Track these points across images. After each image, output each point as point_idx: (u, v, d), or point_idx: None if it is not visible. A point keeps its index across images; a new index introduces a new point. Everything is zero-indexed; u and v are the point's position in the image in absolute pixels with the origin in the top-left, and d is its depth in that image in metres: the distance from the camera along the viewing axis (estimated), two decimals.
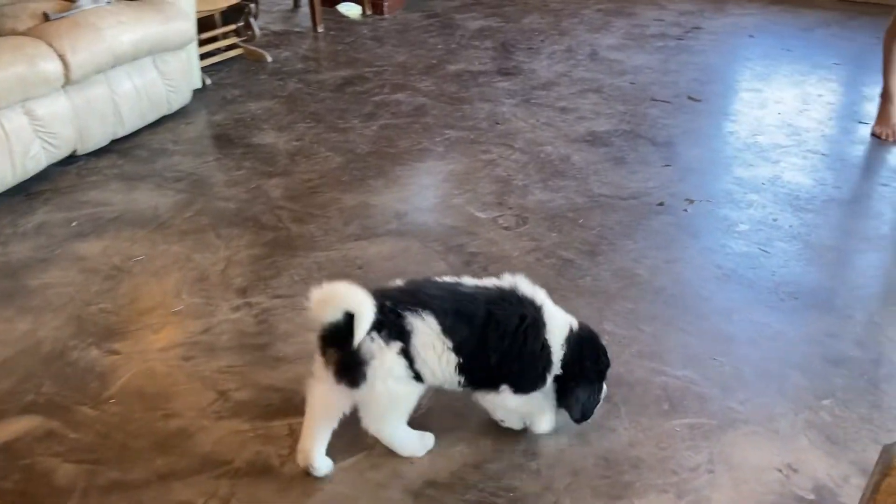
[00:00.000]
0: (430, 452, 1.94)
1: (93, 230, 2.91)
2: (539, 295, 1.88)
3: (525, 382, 1.86)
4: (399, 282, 1.88)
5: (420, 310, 1.75)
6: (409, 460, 1.93)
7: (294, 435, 1.99)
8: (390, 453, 1.94)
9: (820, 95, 4.11)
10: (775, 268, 2.68)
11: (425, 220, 2.98)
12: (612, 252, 2.75)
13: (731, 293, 2.55)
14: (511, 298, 1.84)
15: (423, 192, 3.18)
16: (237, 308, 2.49)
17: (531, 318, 1.83)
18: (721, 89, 4.19)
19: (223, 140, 3.65)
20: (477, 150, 3.53)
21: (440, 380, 1.83)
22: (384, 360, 1.72)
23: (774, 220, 2.96)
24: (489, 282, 1.89)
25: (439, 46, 4.85)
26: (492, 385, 1.86)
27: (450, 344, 1.76)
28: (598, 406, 1.97)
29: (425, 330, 1.75)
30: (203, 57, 4.18)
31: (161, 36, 3.57)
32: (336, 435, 1.97)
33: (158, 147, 3.56)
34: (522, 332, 1.81)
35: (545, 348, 1.84)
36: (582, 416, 1.93)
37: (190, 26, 3.76)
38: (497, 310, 1.81)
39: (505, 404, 1.90)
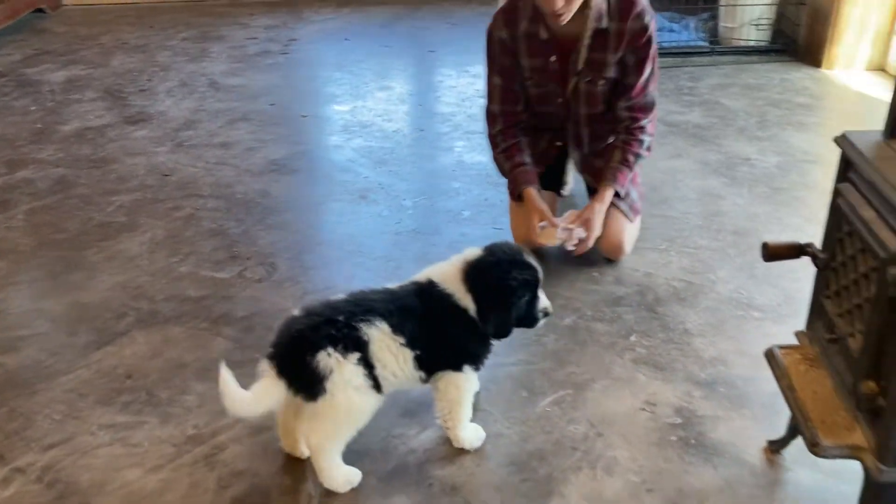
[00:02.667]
0: None
1: None
2: (431, 276, 1.92)
3: (484, 348, 1.96)
4: (341, 295, 1.87)
5: (370, 317, 1.79)
6: None
7: None
8: None
9: (440, 81, 4.49)
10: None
11: (164, 300, 2.60)
12: (378, 275, 2.71)
13: None
14: (425, 289, 1.90)
15: (139, 270, 2.76)
16: (7, 481, 1.93)
17: (447, 298, 1.88)
18: (356, 92, 4.31)
19: None
20: (164, 208, 3.16)
21: (400, 380, 1.86)
22: (343, 371, 1.74)
23: (485, 199, 3.20)
24: (398, 283, 1.94)
25: (32, 108, 4.17)
26: (454, 366, 1.91)
27: (402, 340, 1.81)
28: (544, 309, 1.96)
29: (378, 335, 1.79)
30: None
31: None
32: None
33: None
34: (452, 311, 1.87)
35: (465, 312, 1.88)
36: (505, 332, 1.93)
37: None
38: (427, 300, 1.87)
39: (470, 384, 1.95)
